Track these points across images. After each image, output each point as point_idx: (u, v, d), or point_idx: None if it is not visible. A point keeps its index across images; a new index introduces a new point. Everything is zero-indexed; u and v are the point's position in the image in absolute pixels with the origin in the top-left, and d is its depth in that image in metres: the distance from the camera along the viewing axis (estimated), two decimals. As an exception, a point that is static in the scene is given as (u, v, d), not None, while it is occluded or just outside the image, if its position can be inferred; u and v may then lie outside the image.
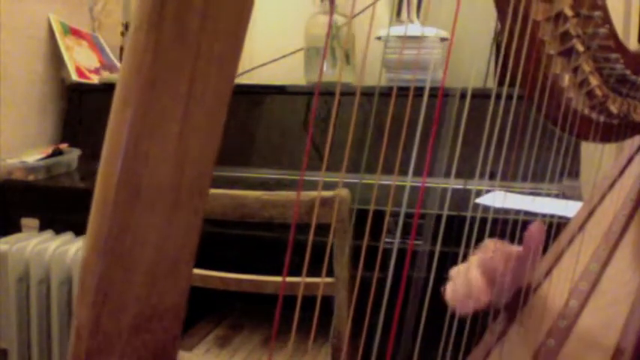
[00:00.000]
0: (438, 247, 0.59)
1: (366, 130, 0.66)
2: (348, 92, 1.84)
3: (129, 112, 0.31)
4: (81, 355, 0.32)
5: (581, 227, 0.79)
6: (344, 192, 1.19)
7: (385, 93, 1.70)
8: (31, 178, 1.77)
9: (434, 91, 0.60)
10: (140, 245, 0.32)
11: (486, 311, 0.70)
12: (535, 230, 0.68)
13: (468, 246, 0.67)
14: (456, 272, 0.71)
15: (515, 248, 0.70)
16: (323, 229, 1.21)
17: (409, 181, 0.57)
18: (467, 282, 0.69)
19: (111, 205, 0.31)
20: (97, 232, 0.32)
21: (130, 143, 0.31)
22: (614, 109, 0.69)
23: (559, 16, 0.63)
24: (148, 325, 0.33)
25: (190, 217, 0.34)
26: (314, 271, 0.58)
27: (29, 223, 1.75)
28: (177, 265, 0.34)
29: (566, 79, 0.65)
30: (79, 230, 1.72)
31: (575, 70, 0.66)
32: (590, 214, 0.81)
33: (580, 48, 0.64)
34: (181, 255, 0.34)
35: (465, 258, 0.70)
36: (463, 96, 0.77)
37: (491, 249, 0.69)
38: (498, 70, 1.74)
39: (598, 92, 0.67)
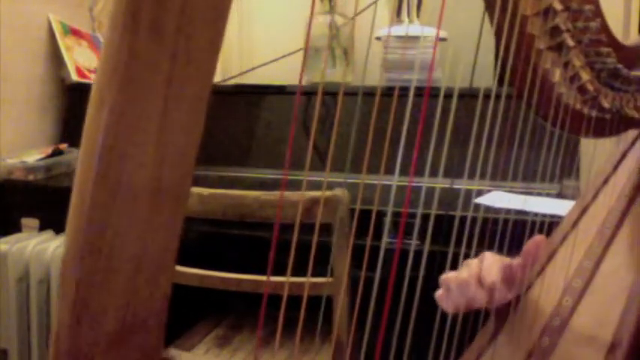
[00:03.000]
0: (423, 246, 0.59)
1: (365, 131, 0.66)
2: (347, 92, 1.83)
3: (105, 113, 0.31)
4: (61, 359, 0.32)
5: (575, 224, 0.78)
6: (342, 192, 1.19)
7: (385, 93, 1.70)
8: (31, 178, 1.77)
9: (433, 91, 0.60)
10: (119, 251, 0.32)
11: (478, 311, 0.70)
12: (535, 244, 0.68)
13: (461, 245, 0.67)
14: (449, 279, 0.70)
15: (511, 261, 0.70)
16: (323, 229, 1.21)
17: (412, 180, 0.57)
18: (461, 287, 0.68)
19: (88, 208, 0.31)
20: (75, 239, 0.32)
21: (106, 144, 0.31)
22: (606, 103, 0.68)
23: (548, 11, 0.62)
24: (129, 332, 0.32)
25: (171, 218, 0.33)
26: (313, 272, 0.58)
27: (29, 223, 1.75)
28: (158, 269, 0.33)
29: (556, 74, 0.65)
30: (78, 230, 1.72)
31: (566, 64, 0.65)
32: (584, 210, 0.80)
33: (570, 42, 0.64)
34: (163, 258, 0.33)
35: (460, 258, 0.70)
36: (463, 96, 0.77)
37: (488, 258, 0.69)
38: (498, 69, 1.74)
39: (589, 87, 0.67)
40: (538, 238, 0.68)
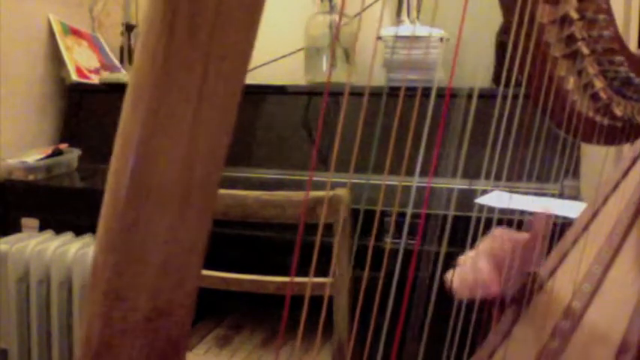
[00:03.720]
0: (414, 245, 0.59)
1: (365, 131, 0.66)
2: (348, 92, 1.83)
3: (141, 111, 0.31)
4: (92, 349, 0.33)
5: (585, 228, 0.79)
6: (343, 192, 1.19)
7: (385, 93, 1.70)
8: (31, 178, 1.77)
9: (433, 91, 0.60)
10: (150, 243, 0.32)
11: (490, 307, 0.70)
12: (540, 218, 0.69)
13: (465, 246, 0.67)
14: (464, 260, 0.71)
15: (522, 235, 0.71)
16: (324, 229, 1.21)
17: (412, 181, 0.57)
18: (475, 271, 0.69)
19: (122, 203, 0.32)
20: (109, 229, 0.32)
21: (141, 142, 0.31)
22: (618, 111, 0.69)
23: (564, 19, 0.63)
24: (158, 320, 0.33)
25: (200, 215, 0.34)
26: (315, 272, 0.58)
27: (29, 223, 1.75)
28: (187, 263, 0.34)
29: (570, 82, 0.65)
30: (79, 230, 1.72)
31: (580, 72, 0.66)
32: (594, 215, 0.81)
33: (585, 51, 0.64)
34: (191, 253, 0.34)
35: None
36: (465, 96, 0.77)
37: (499, 237, 0.70)
38: (504, 70, 1.74)
39: (602, 95, 0.68)
40: (541, 213, 0.69)
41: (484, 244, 0.70)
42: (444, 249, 0.58)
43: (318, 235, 0.49)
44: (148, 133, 0.31)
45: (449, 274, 0.71)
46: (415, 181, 0.63)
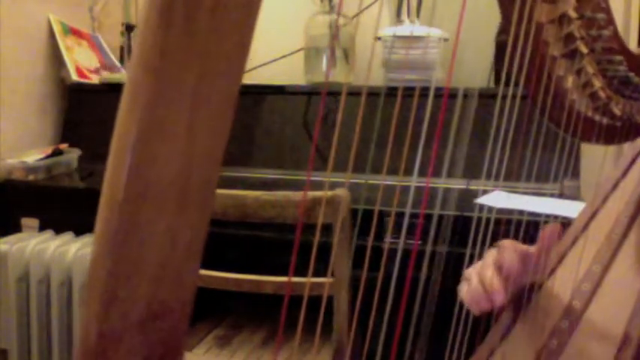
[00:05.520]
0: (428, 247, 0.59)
1: (364, 130, 0.66)
2: (348, 92, 1.83)
3: (137, 112, 0.31)
4: (89, 350, 0.33)
5: (584, 228, 0.79)
6: (343, 192, 1.19)
7: (385, 93, 1.70)
8: (31, 178, 1.77)
9: (434, 91, 0.60)
10: (148, 244, 0.32)
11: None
12: (550, 231, 0.69)
13: (466, 246, 0.67)
14: (471, 272, 0.71)
15: (530, 248, 0.71)
16: (324, 229, 1.21)
17: (412, 181, 0.57)
18: (483, 283, 0.69)
19: (119, 205, 0.32)
20: (105, 231, 0.32)
21: (138, 143, 0.31)
22: (617, 110, 0.69)
23: (563, 18, 0.63)
24: (155, 322, 0.33)
25: (197, 216, 0.34)
26: (315, 272, 0.58)
27: (29, 223, 1.75)
28: (184, 264, 0.34)
29: (569, 81, 0.65)
30: (79, 230, 1.72)
31: (579, 71, 0.66)
32: (593, 215, 0.81)
33: (584, 50, 0.64)
34: (188, 254, 0.34)
35: (471, 258, 0.70)
36: (465, 96, 0.77)
37: (507, 248, 0.69)
38: (504, 70, 1.74)
39: (601, 94, 0.67)
40: (554, 225, 0.69)
41: (491, 256, 0.70)
42: (445, 248, 0.58)
43: (316, 234, 0.49)
44: (145, 134, 0.31)
45: (460, 288, 0.72)
46: (414, 181, 0.63)
